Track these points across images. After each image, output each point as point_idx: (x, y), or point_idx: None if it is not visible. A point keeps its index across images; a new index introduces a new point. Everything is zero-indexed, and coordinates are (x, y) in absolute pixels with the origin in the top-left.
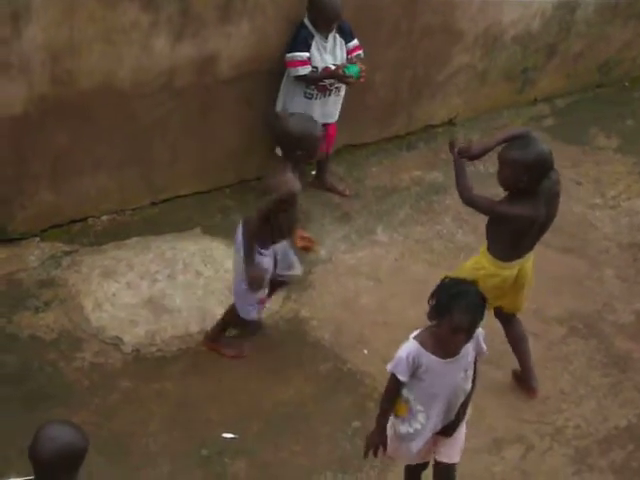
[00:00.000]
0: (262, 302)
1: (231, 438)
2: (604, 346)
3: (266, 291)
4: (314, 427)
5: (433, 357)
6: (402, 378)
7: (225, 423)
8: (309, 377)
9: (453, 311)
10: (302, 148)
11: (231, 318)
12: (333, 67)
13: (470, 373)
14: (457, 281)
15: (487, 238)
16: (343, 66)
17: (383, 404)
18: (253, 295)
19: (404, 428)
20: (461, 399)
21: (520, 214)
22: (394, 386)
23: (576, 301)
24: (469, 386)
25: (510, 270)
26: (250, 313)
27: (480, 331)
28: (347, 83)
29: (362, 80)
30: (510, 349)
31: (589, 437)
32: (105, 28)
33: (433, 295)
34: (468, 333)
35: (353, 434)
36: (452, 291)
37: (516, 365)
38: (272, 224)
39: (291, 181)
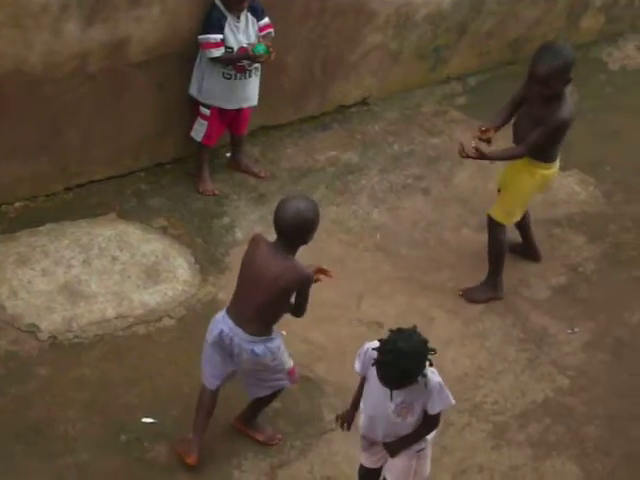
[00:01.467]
0: (293, 372)
1: (150, 423)
2: (520, 322)
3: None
4: (233, 409)
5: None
6: (356, 368)
7: (144, 408)
8: None
9: (379, 365)
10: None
11: (267, 402)
12: (248, 47)
13: (406, 415)
14: (395, 331)
15: (529, 150)
16: (252, 46)
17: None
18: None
19: (361, 420)
20: (393, 430)
21: (568, 118)
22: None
23: None
24: (403, 426)
25: (556, 166)
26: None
27: (435, 388)
28: (260, 62)
29: (272, 57)
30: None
31: (507, 412)
32: (14, 12)
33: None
34: (391, 386)
35: (274, 415)
36: (392, 342)
37: None
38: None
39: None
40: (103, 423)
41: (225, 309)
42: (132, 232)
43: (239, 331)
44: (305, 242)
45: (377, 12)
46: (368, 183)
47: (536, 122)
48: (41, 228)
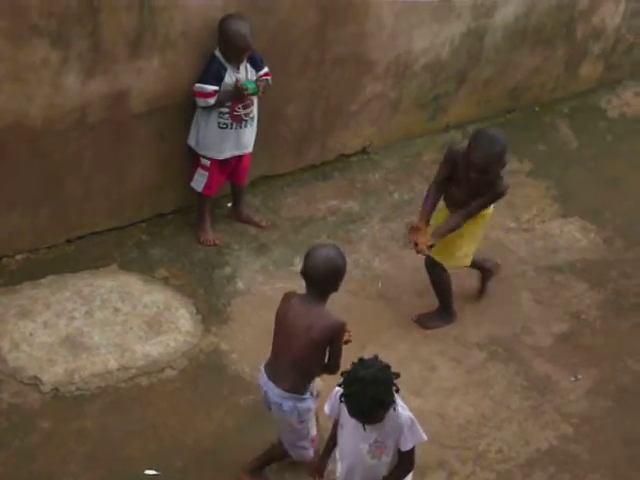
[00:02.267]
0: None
1: (154, 475)
2: (523, 369)
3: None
4: (238, 460)
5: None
6: (325, 411)
7: (147, 460)
8: (230, 410)
9: (347, 398)
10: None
11: (279, 456)
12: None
13: (380, 455)
14: (357, 362)
15: (472, 217)
16: (240, 83)
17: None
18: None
19: (338, 471)
20: (370, 475)
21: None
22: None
23: (495, 325)
24: (379, 468)
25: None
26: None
27: (406, 423)
28: (248, 99)
29: (261, 94)
30: (428, 377)
31: (511, 461)
32: (15, 67)
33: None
34: (362, 419)
35: (278, 467)
36: (354, 372)
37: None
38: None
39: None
40: (106, 476)
41: (263, 365)
42: (134, 283)
43: (272, 385)
44: (336, 289)
45: (376, 61)
46: (369, 232)
47: (474, 195)
48: (42, 280)
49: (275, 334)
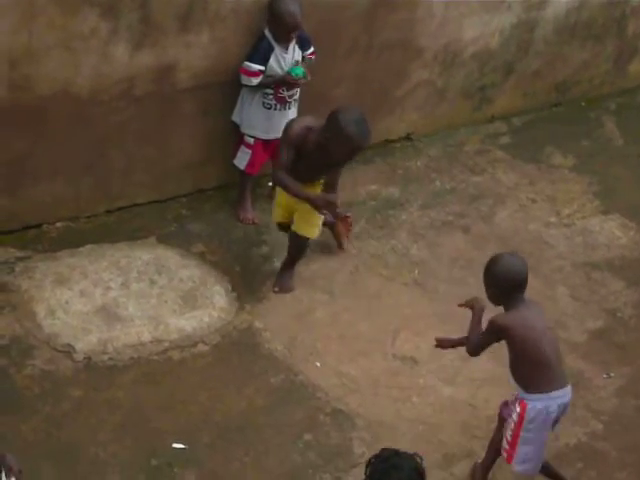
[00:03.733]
0: None
1: (181, 448)
2: None
3: None
4: (265, 439)
5: None
6: None
7: (175, 433)
8: (261, 389)
9: None
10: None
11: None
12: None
13: None
14: (393, 453)
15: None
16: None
17: None
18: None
19: None
20: None
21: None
22: None
23: None
24: None
25: None
26: None
27: None
28: (298, 85)
29: (309, 78)
30: (460, 367)
31: None
32: (64, 35)
33: (368, 465)
34: None
35: (304, 447)
36: (385, 465)
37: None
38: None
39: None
40: (134, 447)
41: (549, 391)
42: (171, 257)
43: (568, 389)
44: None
45: (425, 48)
46: (408, 218)
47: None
48: (81, 249)
49: (538, 348)
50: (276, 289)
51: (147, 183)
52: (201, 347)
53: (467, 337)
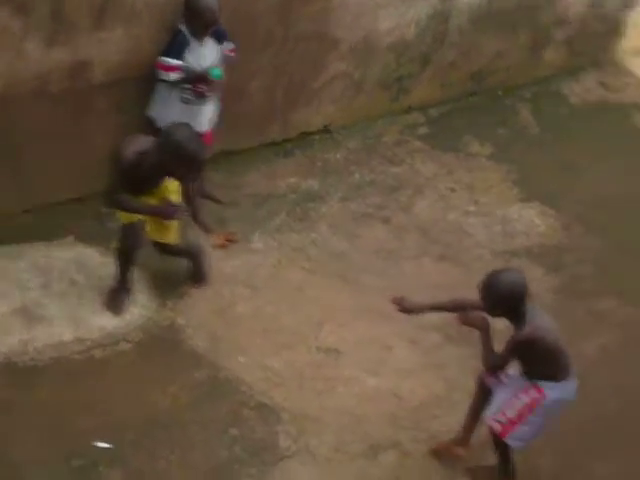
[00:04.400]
0: None
1: (106, 448)
2: (478, 352)
3: None
4: (190, 435)
5: None
6: None
7: (100, 432)
8: (185, 385)
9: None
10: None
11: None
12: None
13: None
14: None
15: None
16: (208, 69)
17: None
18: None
19: None
20: None
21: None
22: None
23: None
24: None
25: None
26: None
27: None
28: (214, 85)
29: (223, 80)
30: (385, 357)
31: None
32: None
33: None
34: None
35: (230, 442)
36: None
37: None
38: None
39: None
40: (57, 447)
41: (564, 379)
42: (90, 255)
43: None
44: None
45: (341, 40)
46: (329, 211)
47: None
48: None
49: (557, 346)
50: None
51: (64, 181)
52: (123, 345)
53: (485, 359)
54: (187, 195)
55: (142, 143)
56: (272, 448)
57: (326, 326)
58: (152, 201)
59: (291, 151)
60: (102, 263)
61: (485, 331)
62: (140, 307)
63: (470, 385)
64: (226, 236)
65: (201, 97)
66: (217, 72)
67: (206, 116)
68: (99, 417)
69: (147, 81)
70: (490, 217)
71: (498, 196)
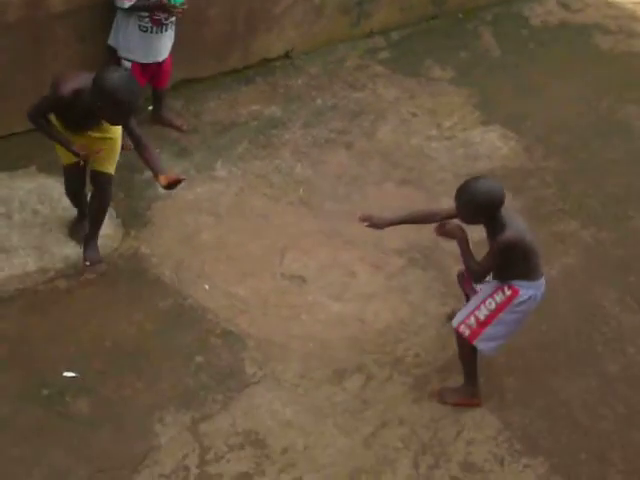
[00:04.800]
0: None
1: (72, 377)
2: (442, 276)
3: None
4: (156, 364)
5: None
6: None
7: (66, 362)
8: (150, 314)
9: None
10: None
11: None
12: None
13: None
14: None
15: None
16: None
17: None
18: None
19: None
20: None
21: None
22: None
23: (414, 232)
24: None
25: None
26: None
27: None
28: (172, 13)
29: (185, 7)
30: (348, 282)
31: (428, 365)
32: None
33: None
34: None
35: (196, 369)
36: None
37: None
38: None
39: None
40: (23, 377)
41: (537, 279)
42: (53, 185)
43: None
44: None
45: None
46: (291, 137)
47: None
48: None
49: (532, 246)
50: (87, 263)
51: (24, 111)
52: (88, 275)
53: (469, 267)
54: (132, 136)
55: (81, 81)
56: (238, 375)
57: (290, 253)
58: (83, 140)
59: (252, 78)
60: (64, 193)
61: (464, 240)
62: (104, 237)
63: (434, 309)
64: (174, 177)
65: (158, 25)
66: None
67: (165, 44)
68: (65, 347)
69: (108, 9)
70: (452, 141)
71: (460, 120)
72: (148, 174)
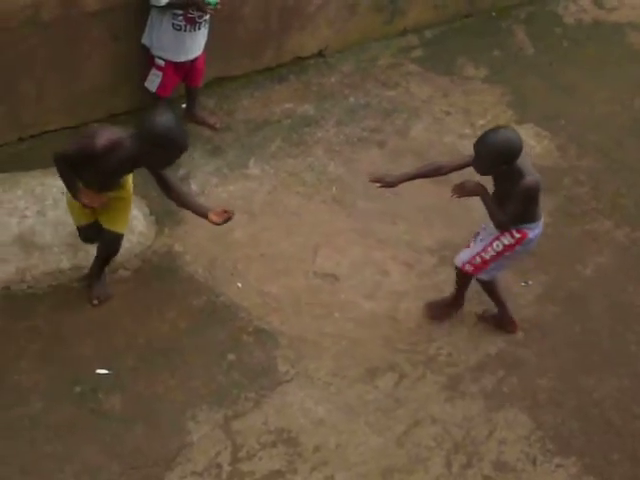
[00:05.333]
0: None
1: (105, 374)
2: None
3: None
4: (189, 361)
5: None
6: None
7: (99, 359)
8: (183, 311)
9: None
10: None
11: None
12: None
13: None
14: None
15: None
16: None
17: None
18: None
19: None
20: None
21: None
22: None
23: (447, 230)
24: None
25: None
26: None
27: None
28: (205, 11)
29: (219, 7)
30: (381, 281)
31: (461, 364)
32: None
33: None
34: None
35: (228, 367)
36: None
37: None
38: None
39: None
40: (57, 374)
41: (540, 218)
42: None
43: None
44: None
45: None
46: (324, 135)
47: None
48: None
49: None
50: (95, 302)
51: (58, 109)
52: (122, 272)
53: (496, 218)
54: (166, 185)
55: (116, 132)
56: (271, 373)
57: (323, 251)
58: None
59: (285, 76)
60: None
61: (486, 194)
62: (138, 235)
63: (466, 307)
64: (224, 214)
65: (192, 24)
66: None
67: (198, 42)
68: (98, 344)
69: (142, 8)
70: None
71: (493, 118)
72: (181, 171)
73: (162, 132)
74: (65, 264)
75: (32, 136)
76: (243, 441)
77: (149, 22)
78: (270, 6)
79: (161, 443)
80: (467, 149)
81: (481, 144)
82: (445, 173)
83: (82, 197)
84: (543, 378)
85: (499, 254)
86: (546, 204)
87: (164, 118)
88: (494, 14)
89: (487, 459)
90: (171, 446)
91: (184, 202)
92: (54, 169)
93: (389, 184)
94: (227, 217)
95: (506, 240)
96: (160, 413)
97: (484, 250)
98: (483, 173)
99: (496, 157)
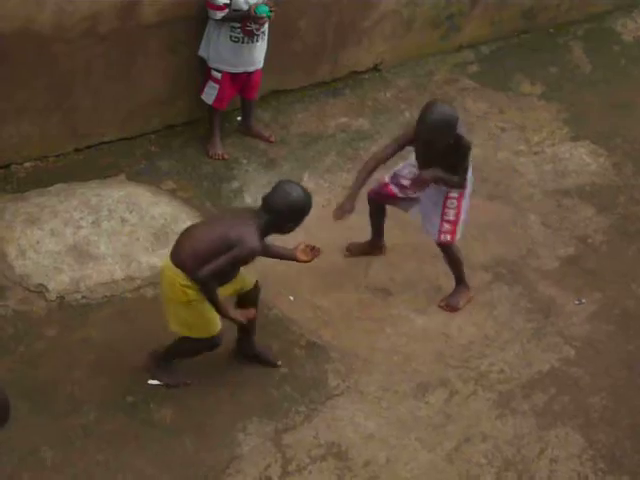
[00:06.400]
0: None
1: (157, 385)
2: (528, 292)
3: None
4: (240, 374)
5: None
6: None
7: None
8: (234, 324)
9: None
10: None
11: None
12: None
13: None
14: None
15: None
16: (254, 7)
17: None
18: None
19: None
20: None
21: None
22: None
23: (501, 247)
24: None
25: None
26: None
27: None
28: (261, 23)
29: (272, 17)
30: (434, 297)
31: (512, 381)
32: None
33: None
34: None
35: (280, 380)
36: None
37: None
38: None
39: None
40: (109, 384)
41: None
42: (141, 194)
43: None
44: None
45: None
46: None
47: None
48: (50, 188)
49: None
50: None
51: (115, 121)
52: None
53: (450, 183)
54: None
55: (250, 225)
56: (321, 386)
57: (375, 265)
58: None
59: (341, 90)
60: (153, 202)
61: (437, 175)
62: None
63: (520, 324)
64: (312, 252)
65: (250, 36)
66: (263, 9)
67: (256, 55)
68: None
69: (199, 20)
70: (541, 156)
71: (549, 135)
72: (235, 184)
73: (301, 203)
74: (119, 274)
75: (88, 147)
76: (293, 454)
77: (206, 34)
78: (326, 21)
79: (211, 455)
80: (522, 166)
81: (429, 121)
82: (386, 160)
83: (237, 315)
84: (595, 397)
85: (458, 209)
86: (601, 222)
87: (298, 188)
88: (551, 30)
89: (538, 477)
90: (221, 458)
91: (273, 256)
92: (109, 180)
93: (349, 210)
94: (314, 255)
95: (455, 193)
96: (211, 425)
97: (443, 213)
98: (429, 146)
99: (449, 130)
